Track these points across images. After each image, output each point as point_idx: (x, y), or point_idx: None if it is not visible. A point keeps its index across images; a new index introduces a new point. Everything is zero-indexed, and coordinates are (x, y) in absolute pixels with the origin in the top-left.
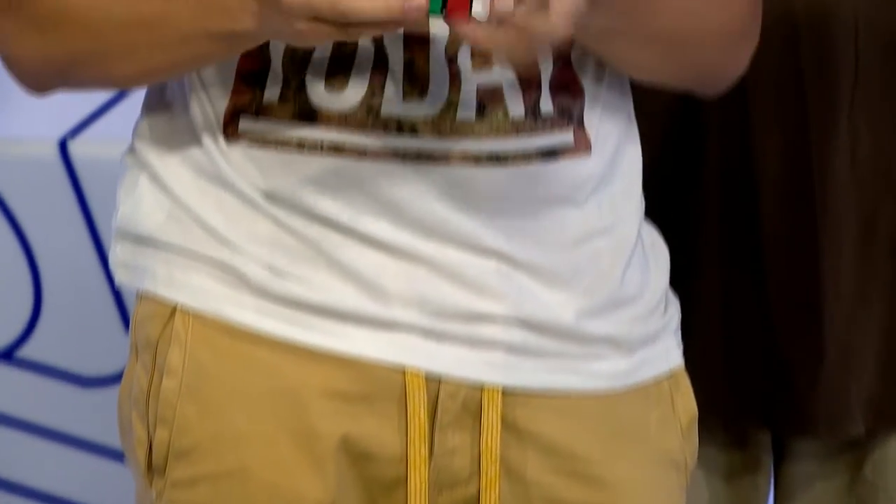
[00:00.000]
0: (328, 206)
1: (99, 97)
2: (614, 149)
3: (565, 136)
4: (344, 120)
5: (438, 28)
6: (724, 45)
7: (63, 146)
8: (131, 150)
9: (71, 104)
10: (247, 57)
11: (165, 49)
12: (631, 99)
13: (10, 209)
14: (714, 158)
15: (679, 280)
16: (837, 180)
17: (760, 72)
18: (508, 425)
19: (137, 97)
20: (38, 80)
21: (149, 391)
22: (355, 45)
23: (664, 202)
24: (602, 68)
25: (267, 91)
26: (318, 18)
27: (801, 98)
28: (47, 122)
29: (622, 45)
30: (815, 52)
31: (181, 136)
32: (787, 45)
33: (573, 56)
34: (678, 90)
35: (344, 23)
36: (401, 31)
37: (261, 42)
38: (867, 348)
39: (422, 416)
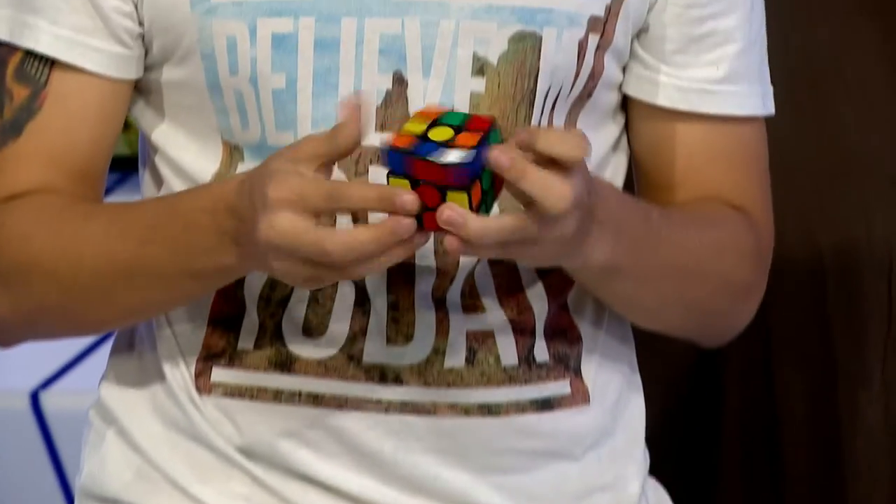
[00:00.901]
0: (307, 460)
1: (71, 349)
2: (615, 399)
3: (561, 386)
4: (323, 367)
5: (423, 266)
6: (728, 291)
7: (35, 398)
8: (98, 403)
9: (43, 356)
10: (219, 300)
11: (141, 291)
12: (633, 345)
13: None
14: (733, 409)
15: None
16: (870, 435)
17: (784, 314)
18: None
19: (109, 349)
20: (5, 332)
21: None
22: (335, 285)
23: (677, 457)
24: (601, 312)
25: (241, 337)
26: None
27: (828, 344)
28: (19, 373)
29: (623, 286)
30: (843, 294)
31: (150, 387)
32: (812, 285)
33: (570, 299)
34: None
35: (331, 263)
36: (384, 271)
37: (247, 272)
38: None
39: None
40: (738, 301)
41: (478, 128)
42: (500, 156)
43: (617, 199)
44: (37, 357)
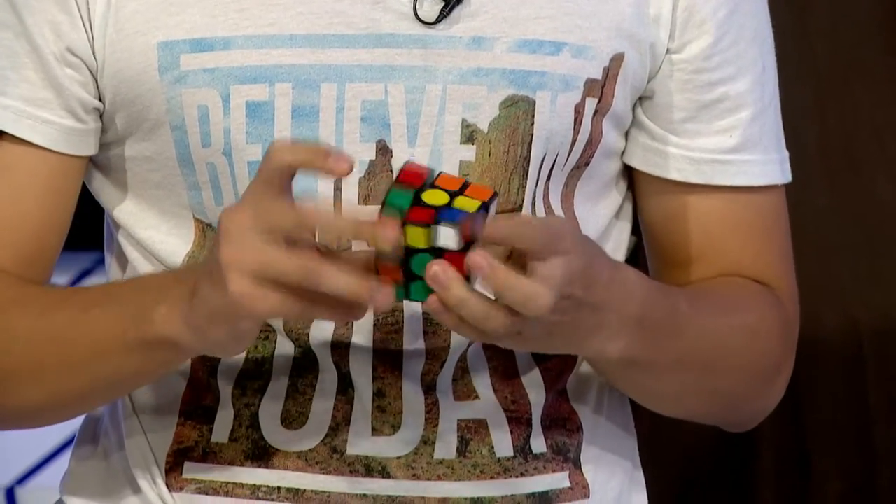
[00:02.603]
0: None
1: (48, 443)
2: (616, 495)
3: (560, 479)
4: (304, 460)
5: (412, 349)
6: (757, 375)
7: (10, 494)
8: None
9: (19, 450)
10: (190, 389)
11: (77, 368)
12: (635, 436)
13: None
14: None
15: None
16: None
17: (820, 403)
18: None
19: None
20: None
21: None
22: (316, 371)
23: None
24: (601, 400)
25: (215, 429)
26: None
27: (866, 436)
28: None
29: (642, 376)
30: (884, 380)
31: (115, 484)
32: (851, 371)
33: (569, 386)
34: (705, 425)
35: (302, 301)
36: (370, 355)
37: (187, 357)
38: None
39: None
40: (767, 384)
41: (479, 198)
42: (478, 258)
43: (643, 293)
44: (13, 452)
